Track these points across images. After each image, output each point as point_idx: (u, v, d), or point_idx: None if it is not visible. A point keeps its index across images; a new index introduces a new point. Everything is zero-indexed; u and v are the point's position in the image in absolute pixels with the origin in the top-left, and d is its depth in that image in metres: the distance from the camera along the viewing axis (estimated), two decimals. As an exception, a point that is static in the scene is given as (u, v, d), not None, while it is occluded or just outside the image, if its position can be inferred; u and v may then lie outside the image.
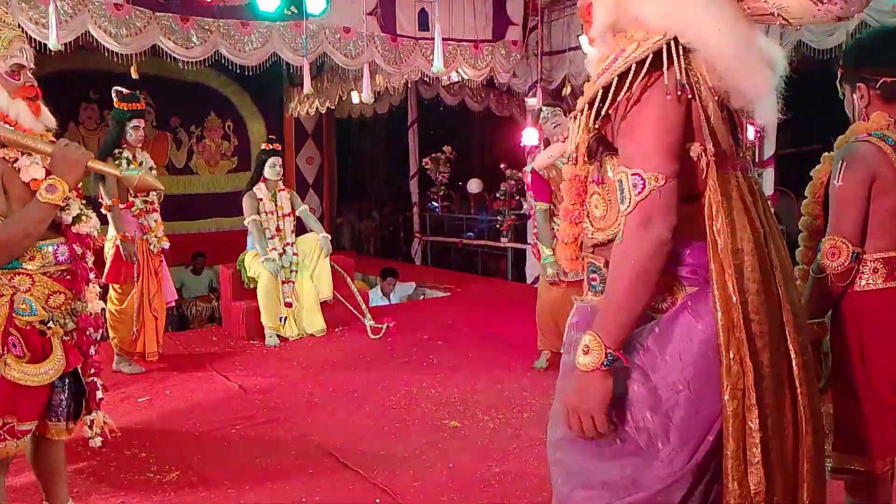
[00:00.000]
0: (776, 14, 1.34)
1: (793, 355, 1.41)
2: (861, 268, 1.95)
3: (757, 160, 5.92)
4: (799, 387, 1.40)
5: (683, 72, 1.31)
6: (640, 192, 1.30)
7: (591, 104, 1.38)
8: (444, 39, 6.09)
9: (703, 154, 1.36)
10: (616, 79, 1.32)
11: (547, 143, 4.52)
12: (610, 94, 1.33)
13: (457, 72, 7.46)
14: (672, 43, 1.31)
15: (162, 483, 3.12)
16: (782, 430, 1.38)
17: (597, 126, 1.40)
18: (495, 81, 7.89)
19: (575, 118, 1.43)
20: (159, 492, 3.04)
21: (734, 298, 1.33)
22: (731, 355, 1.33)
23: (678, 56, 1.31)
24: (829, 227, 1.97)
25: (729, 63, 1.33)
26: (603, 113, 1.35)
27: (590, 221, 1.50)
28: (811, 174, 2.18)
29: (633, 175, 1.31)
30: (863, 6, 1.33)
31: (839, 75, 2.09)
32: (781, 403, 1.38)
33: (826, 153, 2.13)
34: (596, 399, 1.34)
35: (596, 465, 1.42)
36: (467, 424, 3.75)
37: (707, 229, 1.35)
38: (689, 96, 1.33)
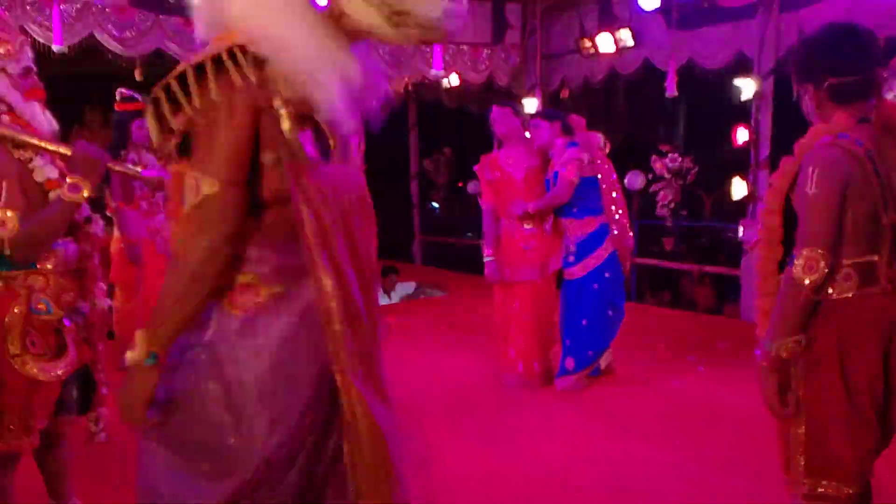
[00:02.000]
0: (369, 32, 1.36)
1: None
2: (835, 275, 1.83)
3: (753, 161, 6.01)
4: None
5: (250, 79, 1.28)
6: (195, 197, 1.29)
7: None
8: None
9: (278, 163, 1.34)
10: (189, 76, 1.29)
11: (500, 144, 4.83)
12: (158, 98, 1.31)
13: (456, 74, 7.53)
14: (235, 50, 1.28)
15: (167, 478, 3.16)
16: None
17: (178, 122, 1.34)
18: (493, 85, 7.95)
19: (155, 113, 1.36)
20: (165, 486, 3.08)
21: (333, 304, 1.34)
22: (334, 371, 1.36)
23: (243, 63, 1.28)
24: (802, 238, 1.82)
25: (303, 76, 1.31)
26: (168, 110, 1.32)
27: None
28: (769, 182, 2.03)
29: (192, 178, 1.30)
30: (441, 33, 1.37)
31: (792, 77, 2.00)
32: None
33: (787, 158, 1.97)
34: (136, 392, 1.37)
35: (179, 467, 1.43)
36: (467, 422, 3.82)
37: (301, 236, 1.34)
38: (261, 105, 1.31)
